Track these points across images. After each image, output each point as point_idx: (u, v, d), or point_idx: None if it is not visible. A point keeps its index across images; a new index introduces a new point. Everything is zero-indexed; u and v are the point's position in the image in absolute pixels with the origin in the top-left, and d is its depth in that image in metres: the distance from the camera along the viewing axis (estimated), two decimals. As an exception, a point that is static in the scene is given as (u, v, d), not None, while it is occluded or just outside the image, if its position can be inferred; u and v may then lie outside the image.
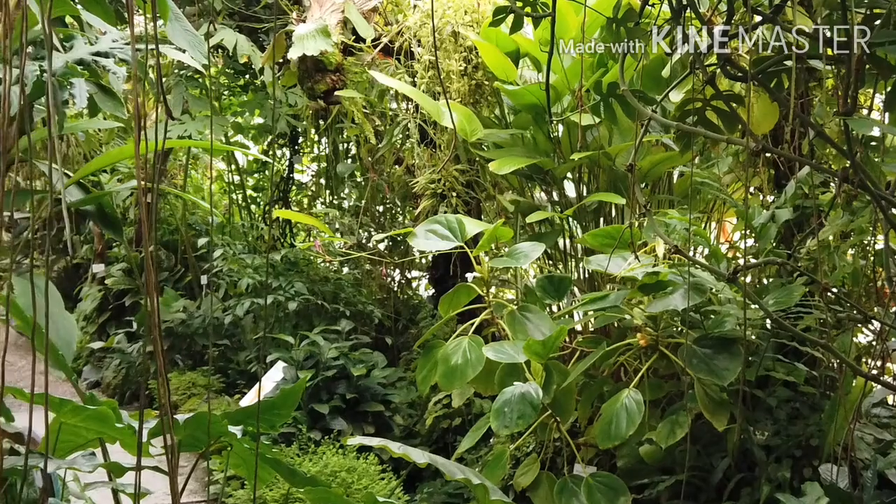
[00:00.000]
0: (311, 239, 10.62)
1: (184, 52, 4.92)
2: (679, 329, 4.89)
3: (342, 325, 8.07)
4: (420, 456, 4.04)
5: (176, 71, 9.03)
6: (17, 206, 5.50)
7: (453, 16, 6.66)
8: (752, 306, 4.59)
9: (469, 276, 6.19)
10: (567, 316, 5.79)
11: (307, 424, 6.99)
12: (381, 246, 9.43)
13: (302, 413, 7.09)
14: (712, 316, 4.84)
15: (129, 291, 10.57)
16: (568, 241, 6.50)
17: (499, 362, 4.91)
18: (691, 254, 4.74)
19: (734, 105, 3.63)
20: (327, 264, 8.78)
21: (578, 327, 6.16)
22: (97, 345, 10.06)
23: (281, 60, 7.92)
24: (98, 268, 11.02)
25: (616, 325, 5.45)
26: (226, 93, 11.03)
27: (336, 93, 7.21)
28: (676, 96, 4.80)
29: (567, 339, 5.67)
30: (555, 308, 6.00)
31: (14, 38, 4.24)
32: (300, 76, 7.43)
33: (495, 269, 5.93)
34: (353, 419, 7.22)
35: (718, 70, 3.62)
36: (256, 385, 7.63)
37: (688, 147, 3.94)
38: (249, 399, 7.57)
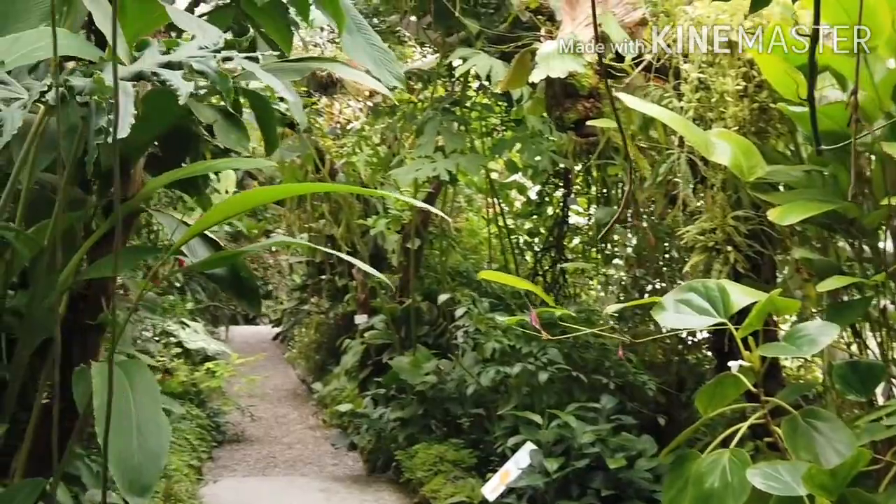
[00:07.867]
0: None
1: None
2: None
3: (603, 401, 6.70)
4: None
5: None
6: (130, 265, 4.86)
7: (729, 20, 5.23)
8: None
9: (733, 364, 4.65)
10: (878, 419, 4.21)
11: (554, 527, 5.79)
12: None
13: (547, 513, 5.89)
14: None
15: (388, 346, 9.77)
16: (888, 304, 4.87)
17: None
18: None
19: None
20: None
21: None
22: (344, 407, 9.33)
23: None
24: (360, 318, 10.39)
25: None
26: (500, 127, 10.09)
27: (588, 122, 5.94)
28: None
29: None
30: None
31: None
32: (548, 103, 6.24)
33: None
34: (611, 522, 5.90)
35: None
36: (500, 471, 6.51)
37: None
38: (491, 488, 6.45)
